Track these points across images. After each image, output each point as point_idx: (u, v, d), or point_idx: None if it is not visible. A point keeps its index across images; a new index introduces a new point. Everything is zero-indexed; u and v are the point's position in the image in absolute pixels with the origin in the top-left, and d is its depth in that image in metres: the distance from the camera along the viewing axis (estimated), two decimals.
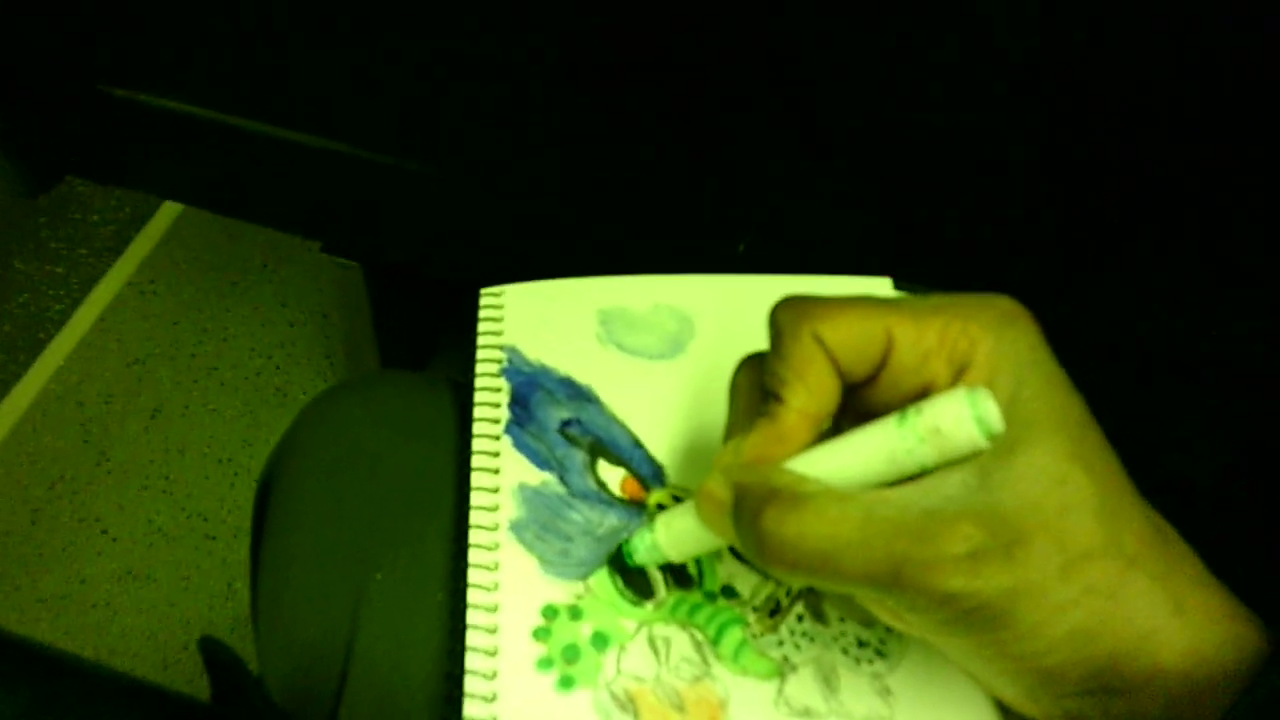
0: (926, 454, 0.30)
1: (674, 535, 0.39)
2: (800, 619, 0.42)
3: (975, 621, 0.30)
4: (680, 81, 0.71)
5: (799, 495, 0.31)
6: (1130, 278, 0.68)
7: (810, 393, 0.33)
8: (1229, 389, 0.64)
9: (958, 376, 0.32)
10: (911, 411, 0.31)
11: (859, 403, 0.34)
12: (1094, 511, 0.30)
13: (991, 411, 0.29)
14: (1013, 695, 0.34)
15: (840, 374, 0.33)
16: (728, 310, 0.52)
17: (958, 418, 0.29)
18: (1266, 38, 0.57)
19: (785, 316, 0.34)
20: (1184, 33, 0.58)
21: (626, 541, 0.42)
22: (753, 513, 0.32)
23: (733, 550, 0.44)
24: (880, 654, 0.41)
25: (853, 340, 0.33)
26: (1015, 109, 0.66)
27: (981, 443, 0.29)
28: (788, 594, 0.43)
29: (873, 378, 0.33)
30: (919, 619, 0.31)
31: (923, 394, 0.32)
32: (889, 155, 0.71)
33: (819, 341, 0.33)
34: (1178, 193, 0.64)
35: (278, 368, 1.42)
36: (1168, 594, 0.30)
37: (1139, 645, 0.30)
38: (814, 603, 0.43)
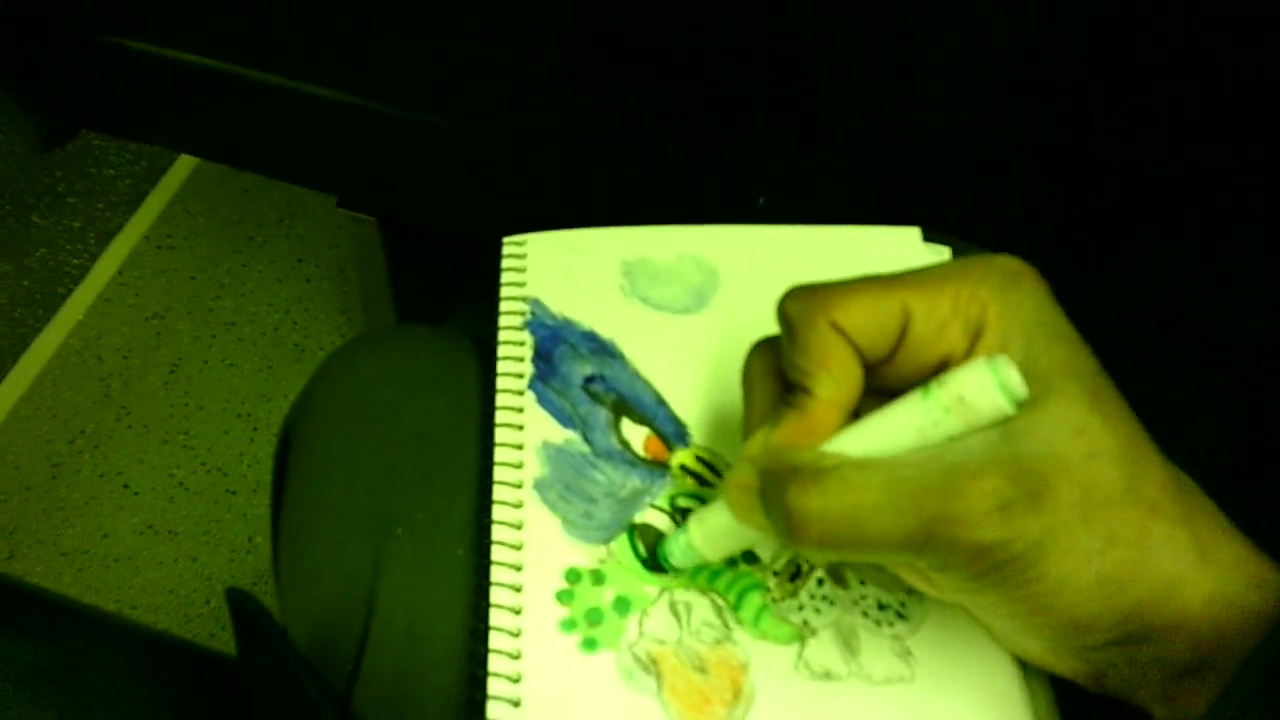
0: (953, 425, 0.30)
1: (708, 534, 0.39)
2: (820, 583, 0.42)
3: (1006, 576, 0.29)
4: (685, 65, 0.70)
5: (821, 469, 0.31)
6: (1130, 275, 0.67)
7: (836, 382, 0.33)
8: (1230, 381, 0.64)
9: (974, 342, 0.32)
10: (934, 384, 0.31)
11: (877, 380, 0.34)
12: (1114, 458, 0.30)
13: (1014, 377, 0.29)
14: (1039, 650, 0.34)
15: (862, 358, 0.33)
16: (753, 262, 0.51)
17: (981, 385, 0.29)
18: (1266, 35, 0.56)
19: (797, 307, 0.33)
20: (1182, 30, 0.57)
21: (662, 545, 0.42)
22: (777, 493, 0.31)
23: None
24: (901, 616, 0.41)
25: (870, 322, 0.32)
26: (1015, 107, 0.66)
27: (1007, 408, 0.29)
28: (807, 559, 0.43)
29: (891, 355, 0.33)
30: (949, 578, 0.31)
31: (942, 365, 0.32)
32: (890, 156, 0.71)
33: (837, 329, 0.32)
34: (1177, 190, 0.64)
35: (295, 323, 1.42)
36: (1191, 540, 0.30)
37: (1166, 592, 0.29)
38: (833, 566, 0.42)
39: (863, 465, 0.31)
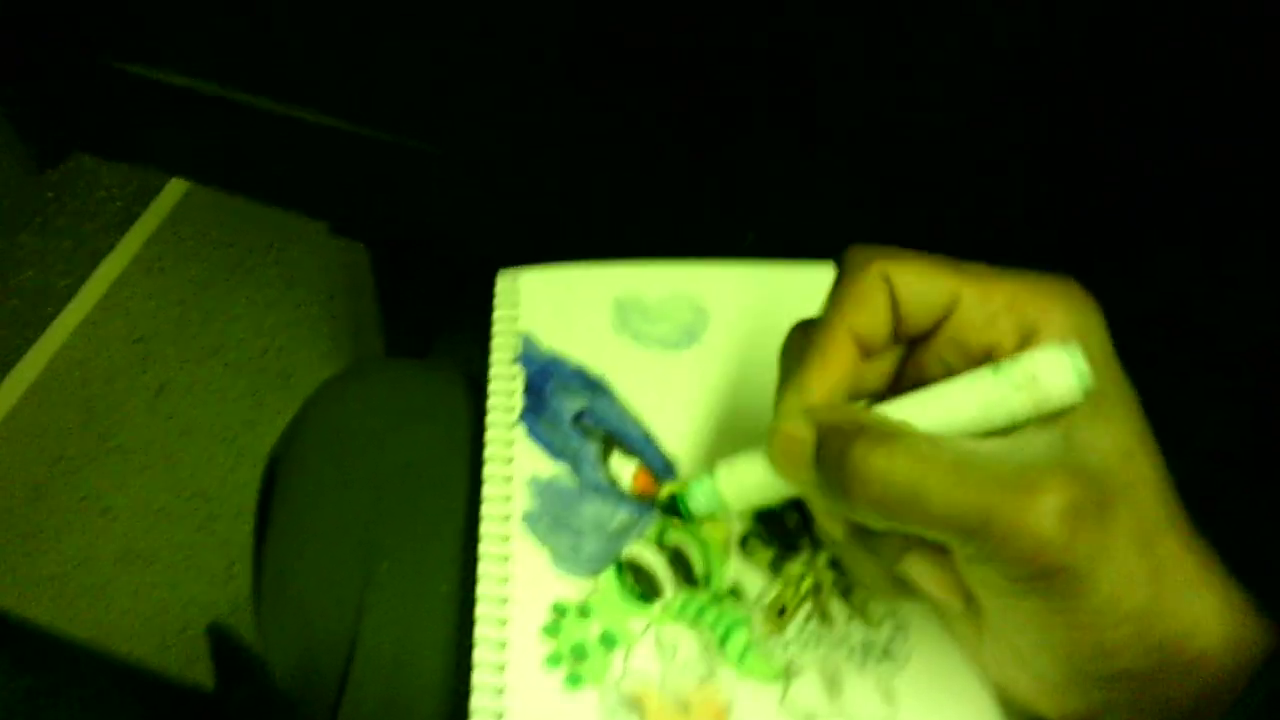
0: (1020, 403, 0.31)
1: (737, 481, 0.38)
2: (807, 620, 0.42)
3: (1055, 585, 0.30)
4: (685, 65, 0.71)
5: (890, 432, 0.31)
6: (1132, 279, 0.67)
7: (861, 314, 0.33)
8: (1233, 391, 0.64)
9: (1024, 343, 0.32)
10: (1007, 362, 0.31)
11: (917, 362, 0.35)
12: (1156, 489, 0.30)
13: (1086, 367, 0.30)
14: (1034, 685, 0.34)
15: (899, 315, 0.34)
16: (742, 299, 0.51)
17: (1058, 367, 0.30)
18: (1267, 35, 0.56)
19: (857, 255, 0.34)
20: (1183, 30, 0.58)
21: (682, 489, 0.40)
22: (839, 449, 0.31)
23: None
24: (887, 655, 0.41)
25: (920, 286, 0.33)
26: (1015, 108, 0.66)
27: (1077, 394, 0.30)
28: (795, 596, 0.43)
29: (931, 333, 0.34)
30: (992, 573, 0.31)
31: (986, 356, 0.32)
32: (890, 156, 0.71)
33: (886, 279, 0.33)
34: (1179, 191, 0.64)
35: (282, 349, 1.42)
36: (1218, 583, 0.30)
37: (1190, 630, 0.30)
38: (821, 604, 0.42)
39: (932, 439, 0.31)
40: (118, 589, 1.23)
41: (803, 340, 0.36)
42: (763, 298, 0.51)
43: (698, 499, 0.39)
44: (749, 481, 0.37)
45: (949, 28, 0.63)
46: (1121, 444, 0.30)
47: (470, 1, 0.73)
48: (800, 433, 0.33)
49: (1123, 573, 0.29)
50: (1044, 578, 0.29)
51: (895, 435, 0.31)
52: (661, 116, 0.74)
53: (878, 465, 0.30)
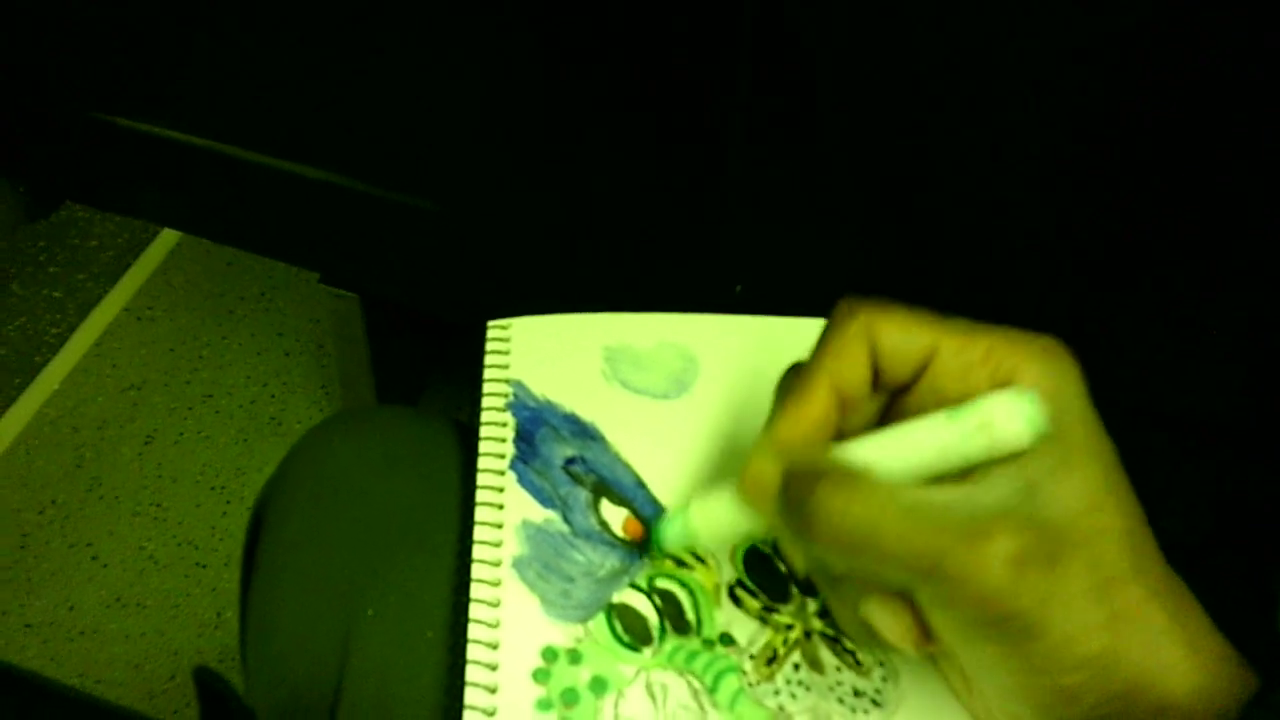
0: (975, 446, 0.32)
1: (709, 518, 0.40)
2: (797, 668, 0.42)
3: (1008, 631, 0.30)
4: (677, 121, 0.72)
5: (850, 474, 0.33)
6: (1112, 336, 0.68)
7: (841, 366, 0.35)
8: (1204, 449, 0.65)
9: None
10: (964, 406, 0.32)
11: (899, 411, 0.36)
12: (1121, 540, 0.31)
13: (1039, 413, 0.31)
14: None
15: (880, 366, 0.35)
16: (732, 350, 0.52)
17: (1009, 411, 0.31)
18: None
19: (844, 307, 0.36)
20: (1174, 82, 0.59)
21: (657, 527, 0.42)
22: (802, 490, 0.33)
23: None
24: (876, 704, 0.41)
25: (900, 338, 0.34)
26: (1016, 181, 0.67)
27: (1026, 439, 0.31)
28: (784, 643, 0.43)
29: (911, 385, 0.35)
30: (951, 618, 0.32)
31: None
32: (880, 215, 0.72)
33: (867, 331, 0.35)
34: (1161, 256, 0.65)
35: (273, 397, 1.42)
36: (1183, 630, 0.31)
37: (1154, 677, 0.30)
38: (811, 652, 0.43)
39: (889, 485, 0.32)
40: (106, 636, 1.22)
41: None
42: (752, 349, 0.52)
43: (670, 536, 0.41)
44: (721, 517, 0.39)
45: (948, 92, 0.64)
46: (1086, 496, 0.31)
47: (459, 59, 0.74)
48: (767, 472, 0.35)
49: (1075, 620, 0.30)
50: (995, 623, 0.31)
51: (855, 479, 0.32)
52: (659, 155, 0.74)
53: (836, 507, 0.32)
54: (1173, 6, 0.54)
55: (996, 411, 0.31)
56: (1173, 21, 0.55)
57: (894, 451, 0.33)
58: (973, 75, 0.62)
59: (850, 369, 0.35)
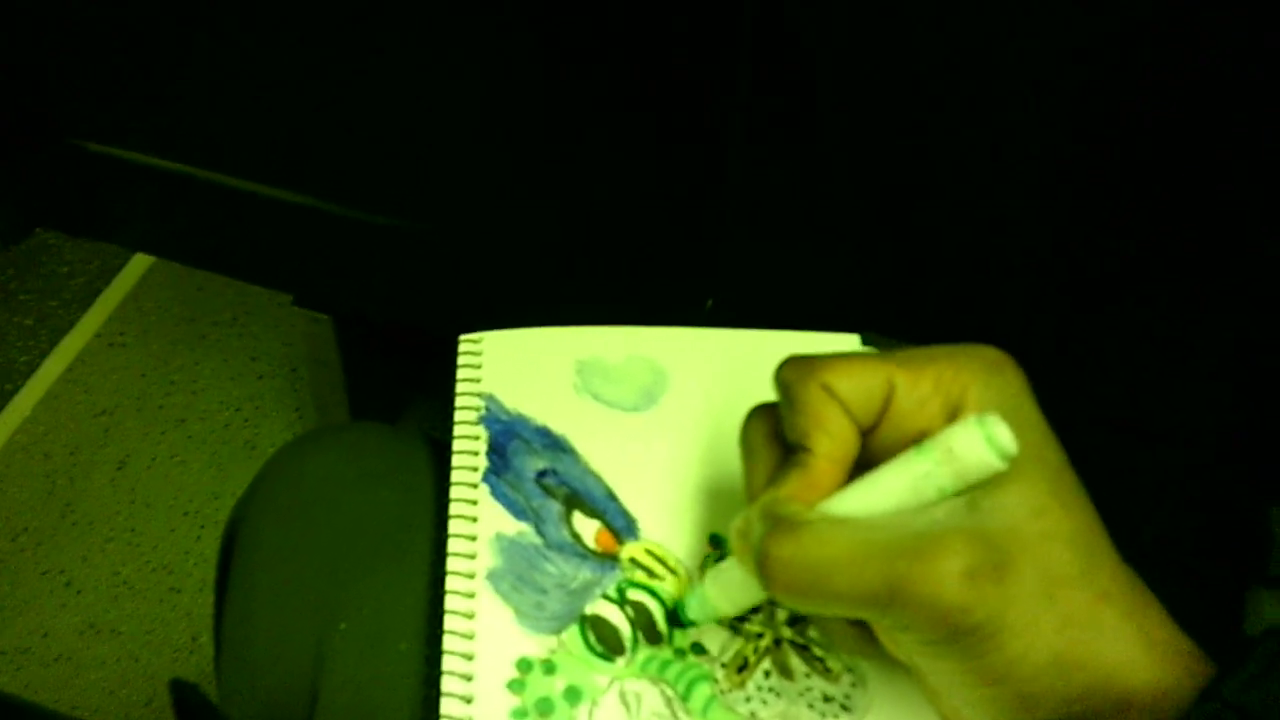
0: (944, 478, 0.32)
1: (722, 586, 0.40)
2: (767, 675, 0.43)
3: (966, 644, 0.31)
4: (677, 122, 0.72)
5: (799, 521, 0.33)
6: (1099, 353, 0.69)
7: (833, 439, 0.35)
8: (1189, 464, 0.65)
9: (951, 419, 0.33)
10: (925, 443, 0.33)
11: (870, 452, 0.36)
12: (1069, 543, 0.31)
13: (1003, 434, 0.31)
14: None
15: (853, 421, 0.35)
16: (700, 364, 0.52)
17: (969, 439, 0.31)
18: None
19: (793, 373, 0.36)
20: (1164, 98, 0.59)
21: (680, 602, 0.43)
22: (758, 542, 0.33)
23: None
24: (845, 709, 0.42)
25: (857, 388, 0.35)
26: (990, 196, 0.67)
27: (995, 462, 0.31)
28: (755, 651, 0.44)
29: (875, 426, 0.35)
30: (911, 639, 0.32)
31: (921, 437, 0.34)
32: (884, 200, 0.72)
33: (829, 392, 0.35)
34: (1152, 272, 0.66)
35: (246, 420, 1.42)
36: (1138, 628, 0.31)
37: (1112, 676, 0.31)
38: (781, 659, 0.43)
39: (839, 522, 0.33)
40: (81, 662, 1.21)
41: (762, 428, 0.38)
42: (721, 362, 0.53)
43: (692, 608, 0.42)
44: (733, 584, 0.40)
45: (948, 92, 0.64)
46: (1031, 502, 0.32)
47: (432, 78, 0.74)
48: (745, 529, 0.35)
49: (1031, 626, 0.30)
50: (955, 639, 0.31)
51: (802, 523, 0.33)
52: (634, 172, 0.75)
53: (784, 554, 0.32)
54: (1173, 6, 0.55)
55: (954, 442, 0.32)
56: (1173, 21, 0.55)
57: (870, 500, 0.34)
58: (973, 75, 0.62)
59: (838, 436, 0.35)
